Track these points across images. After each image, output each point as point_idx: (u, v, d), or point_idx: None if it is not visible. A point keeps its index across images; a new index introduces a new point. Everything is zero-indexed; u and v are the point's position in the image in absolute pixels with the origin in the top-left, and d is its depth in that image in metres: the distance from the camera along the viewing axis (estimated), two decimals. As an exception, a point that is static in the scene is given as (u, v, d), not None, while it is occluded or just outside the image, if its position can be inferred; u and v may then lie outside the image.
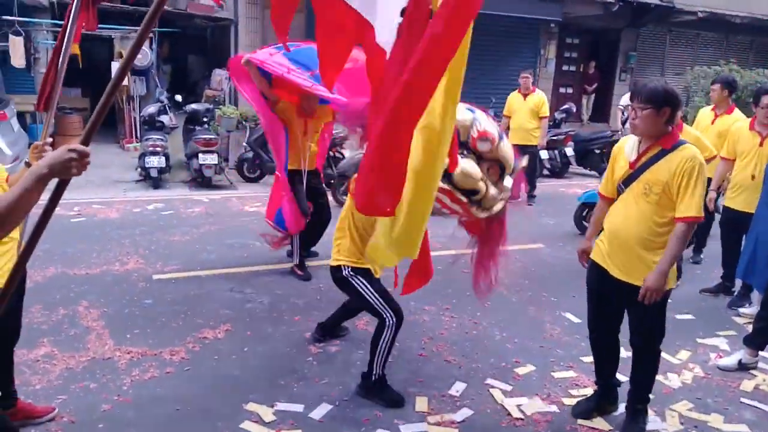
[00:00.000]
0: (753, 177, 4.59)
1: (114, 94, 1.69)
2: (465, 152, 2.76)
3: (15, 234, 1.90)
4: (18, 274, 1.71)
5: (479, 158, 2.76)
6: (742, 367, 3.86)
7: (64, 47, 2.51)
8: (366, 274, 3.25)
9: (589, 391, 3.48)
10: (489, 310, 4.59)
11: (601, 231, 3.15)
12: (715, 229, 5.22)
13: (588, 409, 3.30)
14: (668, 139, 2.84)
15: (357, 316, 3.99)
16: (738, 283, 4.98)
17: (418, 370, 3.66)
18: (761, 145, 4.64)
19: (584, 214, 6.86)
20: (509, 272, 5.41)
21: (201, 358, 3.68)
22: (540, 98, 8.07)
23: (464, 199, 2.67)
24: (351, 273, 3.24)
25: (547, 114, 8.24)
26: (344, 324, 4.03)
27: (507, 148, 2.82)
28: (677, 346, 4.16)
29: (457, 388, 3.47)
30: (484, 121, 2.80)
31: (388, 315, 3.17)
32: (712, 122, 5.52)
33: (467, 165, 2.63)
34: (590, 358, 3.85)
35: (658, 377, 3.64)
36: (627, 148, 2.99)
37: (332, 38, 2.07)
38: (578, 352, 3.98)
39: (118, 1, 9.87)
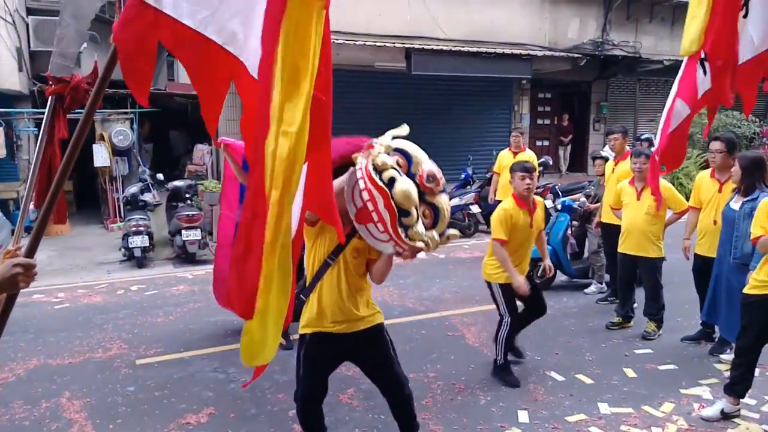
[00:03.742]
0: (715, 222, 4.75)
1: (56, 197, 1.77)
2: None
3: None
4: None
5: (420, 196, 2.75)
6: (725, 417, 3.88)
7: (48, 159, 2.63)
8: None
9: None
10: (473, 373, 4.61)
11: None
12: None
13: None
14: None
15: (343, 389, 4.00)
16: (718, 328, 5.07)
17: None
18: (720, 191, 4.83)
19: (531, 271, 6.57)
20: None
21: (184, 445, 3.65)
22: (530, 157, 8.31)
23: (395, 210, 2.63)
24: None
25: (537, 173, 8.44)
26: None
27: (447, 204, 2.86)
28: (660, 398, 4.18)
29: (443, 458, 3.46)
30: (434, 166, 2.85)
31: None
32: (612, 170, 6.21)
33: (410, 186, 2.65)
34: (575, 417, 3.90)
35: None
36: None
37: (208, 82, 1.97)
38: (562, 412, 3.99)
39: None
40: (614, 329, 5.54)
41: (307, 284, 3.06)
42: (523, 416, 3.94)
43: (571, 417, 3.93)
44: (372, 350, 3.14)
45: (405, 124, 2.91)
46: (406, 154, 2.79)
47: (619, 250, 5.40)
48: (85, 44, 2.96)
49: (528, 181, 4.35)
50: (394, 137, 2.86)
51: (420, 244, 2.71)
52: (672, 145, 3.99)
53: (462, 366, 4.75)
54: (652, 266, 5.28)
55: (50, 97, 2.76)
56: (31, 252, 1.74)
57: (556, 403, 4.14)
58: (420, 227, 2.70)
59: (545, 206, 10.17)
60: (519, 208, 4.41)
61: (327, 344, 3.06)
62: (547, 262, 4.75)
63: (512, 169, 4.58)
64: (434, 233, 2.79)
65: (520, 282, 4.27)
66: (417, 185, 2.71)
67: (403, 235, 2.67)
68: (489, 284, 4.48)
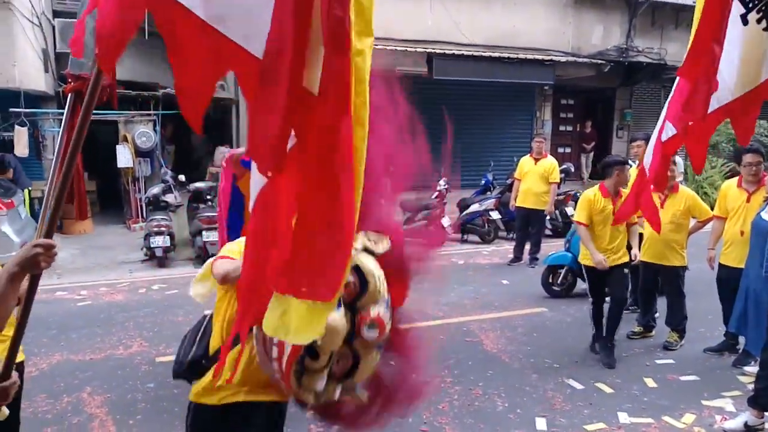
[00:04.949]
0: (742, 233, 4.68)
1: (67, 180, 1.72)
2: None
3: (9, 332, 1.99)
4: (10, 366, 1.80)
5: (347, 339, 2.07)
6: (749, 429, 3.81)
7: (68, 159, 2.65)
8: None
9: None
10: (491, 379, 4.58)
11: None
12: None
13: None
14: None
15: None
16: (743, 339, 4.97)
17: (420, 446, 3.64)
18: (748, 201, 4.76)
19: (550, 278, 6.77)
20: (512, 338, 5.45)
21: (202, 443, 3.67)
22: (551, 164, 8.26)
23: (302, 346, 1.96)
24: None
25: (558, 180, 8.42)
26: None
27: (373, 362, 2.19)
28: (682, 409, 4.12)
29: (460, 464, 3.44)
30: (387, 314, 2.13)
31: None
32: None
33: (339, 325, 1.98)
34: (593, 426, 3.85)
35: None
36: None
37: (195, 66, 1.64)
38: (580, 420, 3.94)
39: (123, 88, 10.34)
40: (635, 338, 5.47)
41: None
42: (540, 424, 3.90)
43: (590, 426, 3.89)
44: None
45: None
46: (363, 281, 2.07)
47: (641, 258, 5.34)
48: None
49: None
50: (365, 248, 2.13)
51: (308, 396, 2.10)
52: (661, 165, 3.89)
53: (480, 372, 4.72)
54: (675, 275, 5.21)
55: (69, 95, 2.79)
56: (48, 234, 1.77)
57: (574, 411, 4.09)
58: (320, 380, 2.05)
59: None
60: (602, 196, 4.93)
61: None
62: (634, 250, 5.07)
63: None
64: (337, 387, 2.14)
65: (599, 259, 4.81)
66: (352, 325, 2.06)
67: (293, 379, 2.03)
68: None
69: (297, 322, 1.67)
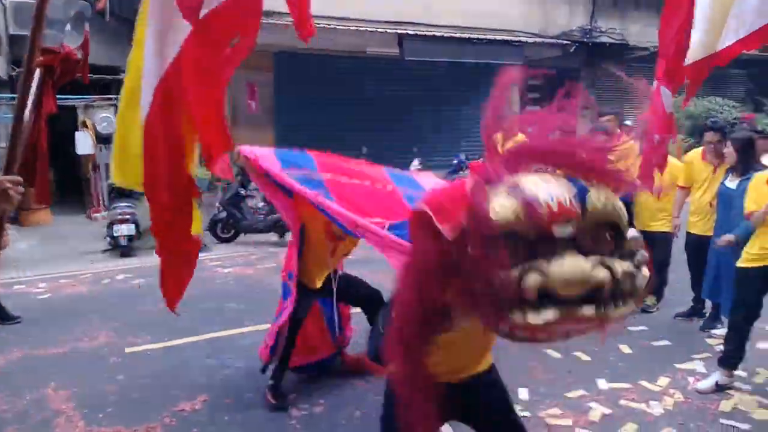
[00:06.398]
0: (711, 204, 4.76)
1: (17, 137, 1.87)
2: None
3: None
4: None
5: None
6: (720, 389, 3.91)
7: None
8: None
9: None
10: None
11: None
12: (683, 255, 5.33)
13: None
14: None
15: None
16: (708, 304, 5.09)
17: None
18: (714, 172, 4.86)
19: None
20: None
21: (179, 432, 3.57)
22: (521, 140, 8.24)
23: None
24: None
25: None
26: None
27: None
28: (657, 373, 4.19)
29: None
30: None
31: None
32: None
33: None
34: (574, 393, 3.88)
35: (642, 406, 3.75)
36: None
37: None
38: (561, 389, 3.97)
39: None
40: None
41: None
42: (523, 393, 3.91)
43: (571, 393, 3.91)
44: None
45: None
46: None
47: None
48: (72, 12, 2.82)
49: None
50: None
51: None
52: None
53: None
54: (663, 239, 5.28)
55: (38, 70, 2.61)
56: (7, 169, 1.84)
57: (555, 380, 4.12)
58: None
59: None
60: None
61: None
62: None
63: None
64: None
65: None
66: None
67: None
68: None
69: None
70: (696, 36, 3.62)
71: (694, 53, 3.67)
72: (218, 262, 7.78)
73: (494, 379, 2.28)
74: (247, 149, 3.45)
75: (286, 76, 11.75)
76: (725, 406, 3.73)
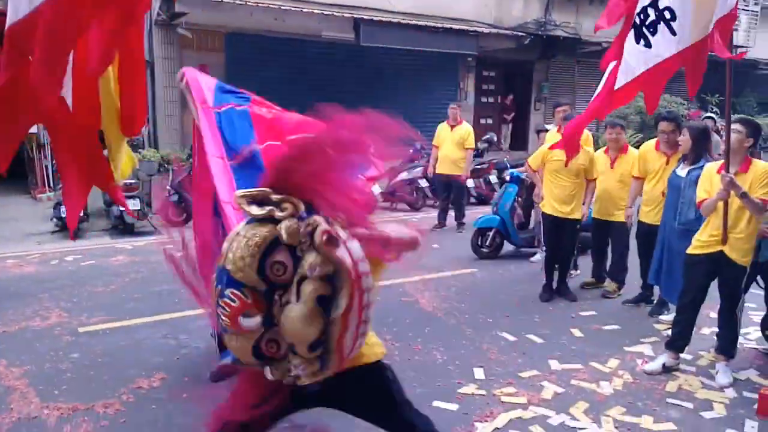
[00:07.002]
0: (663, 194, 4.94)
1: None
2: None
3: None
4: None
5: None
6: (666, 370, 4.11)
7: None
8: None
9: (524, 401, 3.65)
10: (429, 335, 4.66)
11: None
12: (633, 243, 5.56)
13: None
14: None
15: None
16: (657, 291, 5.33)
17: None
18: (667, 163, 5.04)
19: (479, 240, 7.07)
20: (446, 297, 5.57)
21: (138, 408, 3.52)
22: (466, 130, 8.35)
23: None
24: None
25: (473, 146, 8.52)
26: None
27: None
28: (606, 355, 4.37)
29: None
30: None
31: None
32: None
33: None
34: (527, 373, 4.02)
35: (592, 386, 3.89)
36: None
37: None
38: (515, 369, 4.10)
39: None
40: (588, 288, 5.94)
41: None
42: (479, 373, 4.02)
43: (524, 373, 4.05)
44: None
45: None
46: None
47: (594, 215, 5.67)
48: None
49: None
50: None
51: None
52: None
53: (418, 329, 4.80)
54: (622, 229, 5.52)
55: None
56: None
57: (509, 361, 4.25)
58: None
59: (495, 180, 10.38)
60: None
61: None
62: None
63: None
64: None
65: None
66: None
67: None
68: None
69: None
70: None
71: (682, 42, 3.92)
72: (170, 246, 7.60)
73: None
74: (191, 72, 3.29)
75: (238, 57, 11.53)
76: (671, 386, 3.93)
